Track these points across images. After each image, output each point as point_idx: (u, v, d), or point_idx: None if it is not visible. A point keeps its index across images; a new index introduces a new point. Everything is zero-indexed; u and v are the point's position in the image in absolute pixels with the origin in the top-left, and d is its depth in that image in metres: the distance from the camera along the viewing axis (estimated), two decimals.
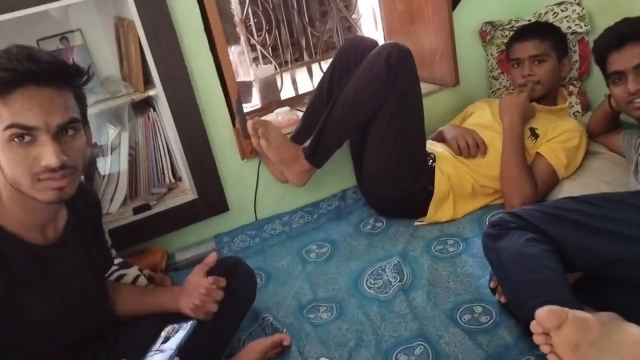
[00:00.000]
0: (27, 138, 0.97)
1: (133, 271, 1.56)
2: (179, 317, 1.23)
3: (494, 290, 1.40)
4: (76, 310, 1.13)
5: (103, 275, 1.26)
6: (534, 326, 0.99)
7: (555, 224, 1.22)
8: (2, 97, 0.95)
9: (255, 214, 2.05)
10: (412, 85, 1.77)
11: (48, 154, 0.96)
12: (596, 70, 1.96)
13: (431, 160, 1.86)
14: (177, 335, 1.12)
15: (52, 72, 0.98)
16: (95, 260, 1.21)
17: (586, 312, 1.03)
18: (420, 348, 1.34)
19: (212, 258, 1.32)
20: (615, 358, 0.98)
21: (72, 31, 1.76)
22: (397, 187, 1.84)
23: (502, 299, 1.34)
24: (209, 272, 1.40)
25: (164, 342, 1.12)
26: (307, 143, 1.83)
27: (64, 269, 1.12)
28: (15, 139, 0.96)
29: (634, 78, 1.46)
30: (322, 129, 1.78)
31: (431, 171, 1.84)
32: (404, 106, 1.76)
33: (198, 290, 1.27)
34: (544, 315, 0.97)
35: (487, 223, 1.78)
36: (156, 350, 1.09)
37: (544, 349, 1.00)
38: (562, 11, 2.06)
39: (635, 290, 1.16)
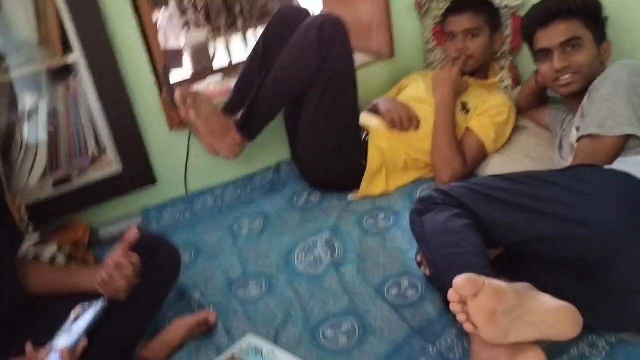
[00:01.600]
0: None
1: (50, 250, 1.49)
2: (94, 297, 1.18)
3: (420, 265, 1.41)
4: None
5: (5, 255, 1.18)
6: (451, 294, 1.01)
7: (480, 200, 1.23)
8: None
9: (186, 187, 1.99)
10: (345, 58, 1.74)
11: None
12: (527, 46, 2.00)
13: (365, 134, 1.85)
14: (85, 316, 1.07)
15: None
16: None
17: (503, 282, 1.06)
18: (348, 323, 1.34)
19: (132, 234, 1.23)
20: (528, 326, 1.01)
21: None
22: (331, 161, 1.82)
23: (427, 272, 1.36)
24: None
25: (74, 322, 1.07)
26: (239, 115, 1.78)
27: None
28: None
29: (559, 55, 1.48)
30: (254, 101, 1.73)
31: (364, 145, 1.83)
32: (337, 79, 1.73)
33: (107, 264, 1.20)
34: (461, 283, 0.99)
35: (418, 196, 1.80)
36: (65, 332, 1.05)
37: (460, 317, 1.02)
38: None
39: (553, 266, 1.19)
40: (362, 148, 1.83)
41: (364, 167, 1.82)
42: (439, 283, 1.24)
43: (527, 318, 1.01)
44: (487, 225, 1.21)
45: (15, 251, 1.27)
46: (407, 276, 1.46)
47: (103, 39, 1.63)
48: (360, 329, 1.32)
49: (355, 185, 1.85)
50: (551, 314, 1.02)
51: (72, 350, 0.99)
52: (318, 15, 1.72)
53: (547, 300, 1.04)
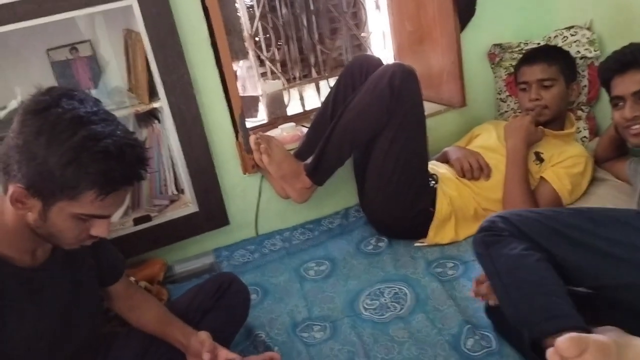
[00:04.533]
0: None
1: None
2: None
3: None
4: (64, 330, 1.13)
5: (93, 292, 1.25)
6: (551, 355, 0.94)
7: (551, 238, 1.17)
8: (102, 194, 0.97)
9: (256, 229, 2.05)
10: (416, 107, 1.76)
11: (103, 230, 1.05)
12: (605, 96, 1.94)
13: (433, 182, 1.85)
14: None
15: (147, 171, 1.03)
16: (85, 276, 1.21)
17: (593, 330, 1.00)
18: None
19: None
20: None
21: (81, 42, 1.78)
22: (398, 208, 1.82)
23: (491, 302, 1.30)
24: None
25: None
26: (309, 160, 1.83)
27: (51, 290, 1.11)
28: (83, 218, 1.00)
29: (631, 104, 1.44)
30: (324, 146, 1.78)
31: (433, 192, 1.82)
32: (407, 127, 1.75)
33: None
34: (566, 344, 0.92)
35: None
36: None
37: None
38: (572, 35, 2.05)
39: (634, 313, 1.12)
40: (430, 195, 1.82)
41: (432, 214, 1.81)
42: (519, 324, 1.15)
43: None
44: (559, 264, 1.15)
45: (109, 282, 1.34)
46: (478, 328, 1.41)
47: (186, 87, 1.73)
48: None
49: (422, 232, 1.84)
50: None
51: None
52: (389, 65, 1.76)
53: None
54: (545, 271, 1.12)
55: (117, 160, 0.96)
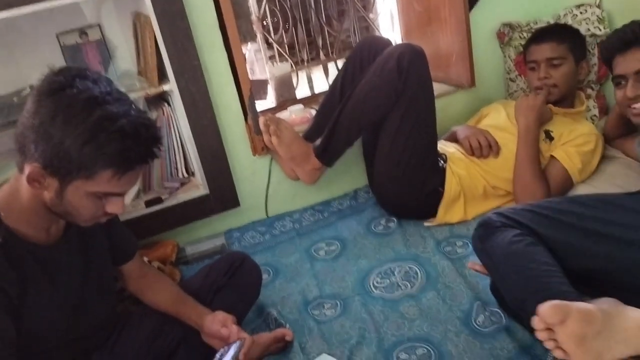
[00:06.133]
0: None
1: None
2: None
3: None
4: (78, 307, 1.16)
5: (106, 270, 1.27)
6: (536, 322, 0.97)
7: (544, 224, 1.20)
8: (118, 173, 0.99)
9: (267, 211, 2.06)
10: (424, 87, 1.76)
11: (118, 207, 1.07)
12: None
13: (442, 161, 1.85)
14: (229, 352, 1.19)
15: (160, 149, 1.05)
16: (98, 255, 1.23)
17: (586, 301, 1.01)
18: (423, 349, 1.33)
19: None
20: (620, 345, 0.95)
21: (91, 26, 1.79)
22: (408, 188, 1.83)
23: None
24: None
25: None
26: (318, 141, 1.83)
27: (65, 266, 1.14)
28: (99, 196, 1.02)
29: (633, 83, 1.44)
30: (333, 128, 1.79)
31: (442, 172, 1.83)
32: (415, 107, 1.75)
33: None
34: (547, 311, 0.94)
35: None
36: None
37: (549, 344, 0.97)
38: (582, 13, 2.03)
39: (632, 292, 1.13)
40: (439, 175, 1.83)
41: (441, 194, 1.82)
42: (518, 309, 1.20)
43: (618, 336, 0.95)
44: (552, 247, 1.18)
45: (123, 261, 1.36)
46: (488, 305, 1.42)
47: (195, 70, 1.74)
48: (437, 354, 1.31)
49: (432, 212, 1.85)
50: None
51: None
52: (398, 45, 1.76)
53: (637, 315, 0.98)
54: (537, 254, 1.14)
55: (133, 140, 0.97)
